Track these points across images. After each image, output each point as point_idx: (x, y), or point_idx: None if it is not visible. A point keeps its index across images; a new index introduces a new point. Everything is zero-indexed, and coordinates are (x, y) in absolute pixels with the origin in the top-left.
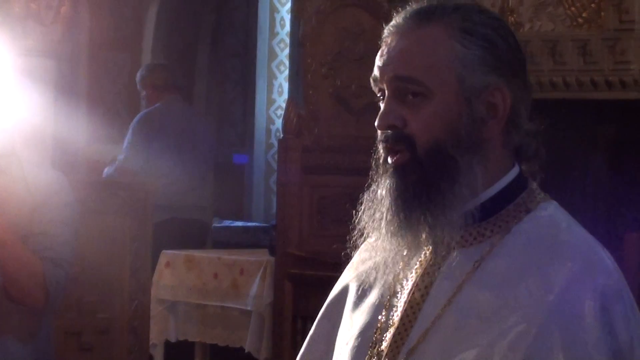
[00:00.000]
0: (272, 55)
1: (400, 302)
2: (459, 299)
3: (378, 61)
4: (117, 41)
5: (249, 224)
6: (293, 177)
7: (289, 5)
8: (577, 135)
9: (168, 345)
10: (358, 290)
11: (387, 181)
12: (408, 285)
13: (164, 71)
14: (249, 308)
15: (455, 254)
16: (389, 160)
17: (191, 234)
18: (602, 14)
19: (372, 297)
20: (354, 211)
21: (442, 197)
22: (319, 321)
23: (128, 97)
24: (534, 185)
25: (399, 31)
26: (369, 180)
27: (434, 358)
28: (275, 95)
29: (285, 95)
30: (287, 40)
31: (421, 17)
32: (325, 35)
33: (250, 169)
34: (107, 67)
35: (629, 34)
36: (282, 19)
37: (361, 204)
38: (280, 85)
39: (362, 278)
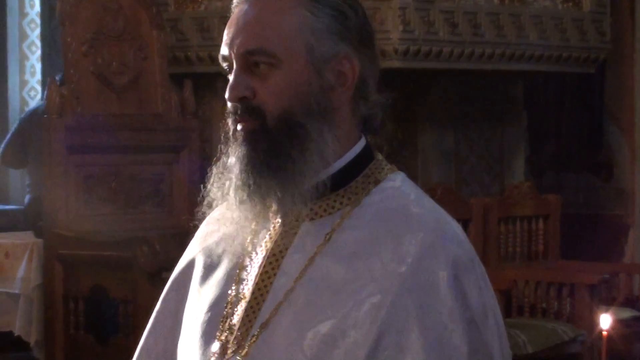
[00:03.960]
0: (23, 36)
1: (251, 276)
2: (310, 272)
3: (226, 35)
4: None
5: (7, 207)
6: (57, 158)
7: None
8: None
9: None
10: (205, 263)
11: (238, 149)
12: (258, 258)
13: None
14: (16, 291)
15: (304, 226)
16: (238, 127)
17: None
18: None
19: (221, 271)
20: (202, 185)
21: (293, 164)
22: (164, 296)
23: None
24: (380, 156)
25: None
26: (218, 154)
27: (288, 331)
28: (28, 77)
29: (39, 76)
30: (38, 20)
31: None
32: (84, 14)
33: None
34: None
35: (387, 3)
36: None
37: (209, 176)
38: (33, 66)
39: (209, 251)
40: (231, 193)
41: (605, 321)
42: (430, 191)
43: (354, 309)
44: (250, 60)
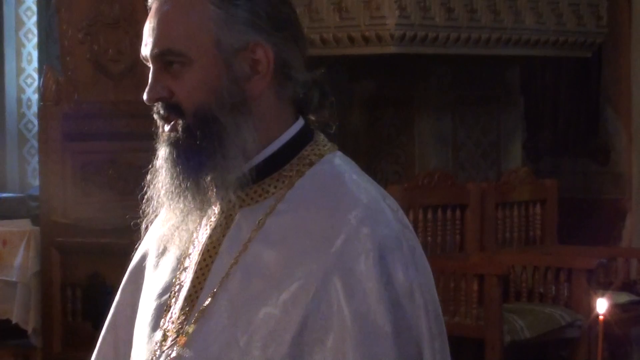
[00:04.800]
0: (20, 23)
1: (192, 264)
2: (244, 258)
3: (144, 35)
4: None
5: (4, 195)
6: (54, 145)
7: None
8: (334, 92)
9: None
10: (157, 252)
11: (162, 150)
12: (199, 246)
13: None
14: (14, 279)
15: (241, 212)
16: (165, 128)
17: None
18: None
19: (169, 259)
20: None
21: (213, 159)
22: (123, 287)
23: None
24: (321, 136)
25: None
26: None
27: (222, 319)
28: (24, 64)
29: (35, 64)
30: (34, 8)
31: None
32: (80, 1)
33: (2, 139)
34: None
35: None
36: None
37: (149, 172)
38: (30, 54)
39: (160, 240)
40: (162, 194)
41: (602, 305)
42: (427, 176)
43: (283, 293)
44: (164, 60)
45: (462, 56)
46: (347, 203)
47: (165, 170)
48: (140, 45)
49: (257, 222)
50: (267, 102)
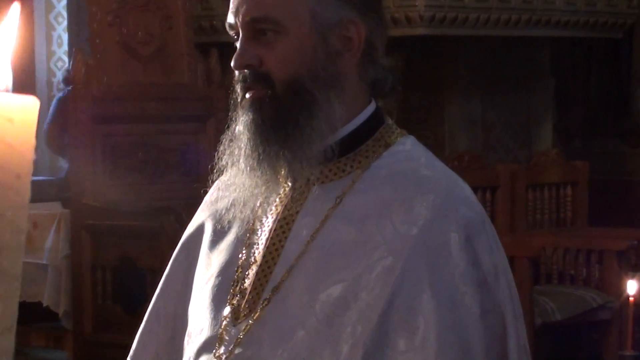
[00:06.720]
0: (49, 6)
1: (262, 240)
2: (322, 235)
3: (232, 2)
4: None
5: (35, 178)
6: (84, 128)
7: None
8: None
9: None
10: (215, 228)
11: (244, 116)
12: (268, 222)
13: None
14: (45, 262)
15: (315, 189)
16: (247, 96)
17: None
18: None
19: (231, 235)
20: (216, 152)
21: (301, 131)
22: (174, 260)
23: None
24: (390, 120)
25: None
26: (228, 122)
27: (300, 294)
28: (55, 47)
29: (65, 47)
30: None
31: None
32: None
33: None
34: None
35: None
36: None
37: (221, 143)
38: (60, 37)
39: (219, 216)
40: (241, 161)
41: (632, 287)
42: (457, 158)
43: (365, 271)
44: (256, 28)
45: (492, 37)
46: (428, 185)
47: (248, 138)
48: (169, 27)
49: (334, 200)
50: (350, 81)
